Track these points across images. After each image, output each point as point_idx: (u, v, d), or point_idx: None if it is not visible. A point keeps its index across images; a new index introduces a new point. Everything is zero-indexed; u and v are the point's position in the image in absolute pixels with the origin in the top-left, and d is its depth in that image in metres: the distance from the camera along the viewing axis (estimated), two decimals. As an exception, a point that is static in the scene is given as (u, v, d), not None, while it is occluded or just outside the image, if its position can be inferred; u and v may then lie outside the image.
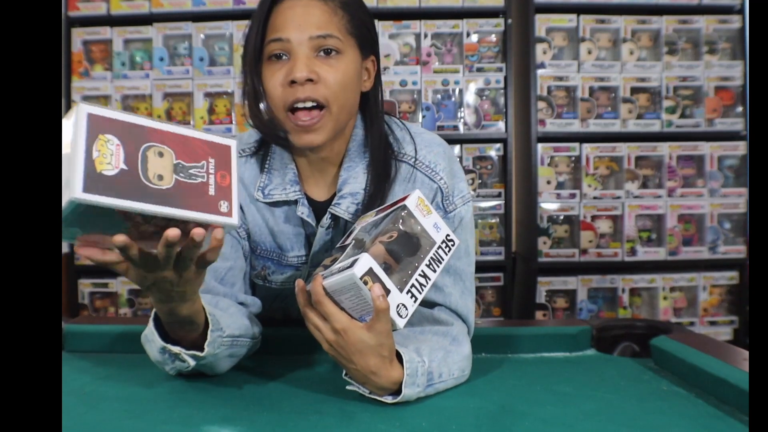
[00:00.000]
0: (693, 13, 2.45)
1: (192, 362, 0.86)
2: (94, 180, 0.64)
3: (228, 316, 0.90)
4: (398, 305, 0.78)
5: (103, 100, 2.45)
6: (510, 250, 2.47)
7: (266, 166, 1.03)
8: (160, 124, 0.70)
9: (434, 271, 0.83)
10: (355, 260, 0.76)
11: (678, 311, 2.49)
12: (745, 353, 0.93)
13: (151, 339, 0.87)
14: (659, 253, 2.45)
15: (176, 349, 0.85)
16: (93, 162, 0.64)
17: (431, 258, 0.83)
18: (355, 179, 0.99)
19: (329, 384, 0.90)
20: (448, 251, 0.85)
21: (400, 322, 0.79)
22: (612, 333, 1.13)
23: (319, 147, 0.96)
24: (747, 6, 2.43)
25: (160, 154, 0.69)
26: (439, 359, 0.87)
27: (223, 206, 0.73)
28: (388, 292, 0.77)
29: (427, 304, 0.97)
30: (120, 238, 0.68)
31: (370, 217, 0.90)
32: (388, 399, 0.83)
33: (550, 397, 0.87)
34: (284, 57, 0.93)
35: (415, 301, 0.80)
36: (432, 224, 0.85)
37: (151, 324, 0.86)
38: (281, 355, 1.04)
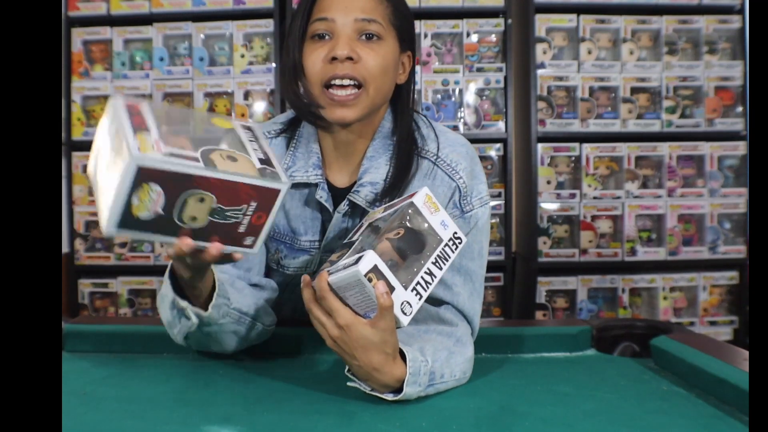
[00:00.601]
0: (693, 13, 2.45)
1: (195, 320, 0.89)
2: (127, 220, 0.69)
3: (237, 292, 0.94)
4: (403, 303, 0.78)
5: (103, 100, 2.45)
6: (510, 250, 2.46)
7: (291, 147, 1.05)
8: (212, 173, 0.71)
9: (440, 268, 0.83)
10: (360, 257, 0.76)
11: (678, 311, 2.48)
12: (745, 353, 0.93)
13: (165, 294, 0.90)
14: (659, 253, 2.45)
15: (184, 303, 0.89)
16: (130, 207, 0.69)
17: (437, 255, 0.83)
18: (377, 169, 1.00)
19: (329, 384, 0.90)
20: (455, 249, 0.85)
21: (404, 320, 0.79)
22: (612, 333, 1.12)
23: (349, 126, 0.98)
24: (747, 6, 2.43)
25: (201, 200, 0.72)
26: (442, 360, 0.87)
27: (248, 240, 0.78)
28: (392, 289, 0.77)
29: (434, 301, 0.97)
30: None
31: (379, 213, 0.90)
32: (389, 396, 0.83)
33: (550, 397, 0.87)
34: (327, 37, 0.95)
35: (420, 299, 0.80)
36: (439, 222, 0.85)
37: (167, 280, 0.90)
38: (281, 355, 1.04)
